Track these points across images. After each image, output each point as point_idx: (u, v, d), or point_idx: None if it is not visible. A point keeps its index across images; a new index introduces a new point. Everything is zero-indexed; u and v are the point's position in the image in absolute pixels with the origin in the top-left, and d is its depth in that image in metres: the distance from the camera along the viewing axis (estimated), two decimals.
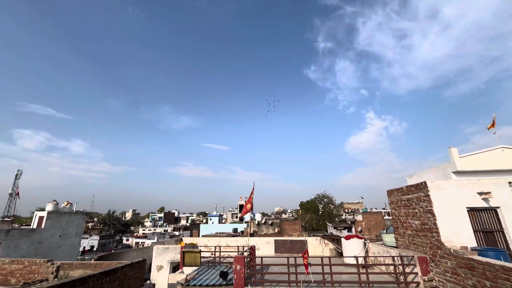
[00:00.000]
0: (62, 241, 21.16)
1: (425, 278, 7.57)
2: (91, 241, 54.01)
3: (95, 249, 52.87)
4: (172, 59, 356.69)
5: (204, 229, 49.36)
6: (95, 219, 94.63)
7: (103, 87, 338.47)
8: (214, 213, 77.44)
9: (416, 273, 7.80)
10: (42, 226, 20.24)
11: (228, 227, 47.68)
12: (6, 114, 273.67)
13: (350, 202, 77.70)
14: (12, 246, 17.77)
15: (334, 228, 33.06)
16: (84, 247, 49.44)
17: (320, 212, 41.36)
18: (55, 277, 10.99)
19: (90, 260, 15.21)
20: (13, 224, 32.84)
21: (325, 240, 17.12)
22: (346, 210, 63.57)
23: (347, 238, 12.46)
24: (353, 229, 31.58)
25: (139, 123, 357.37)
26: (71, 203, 23.53)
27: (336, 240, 16.47)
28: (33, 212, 23.70)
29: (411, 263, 8.05)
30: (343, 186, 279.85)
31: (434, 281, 7.48)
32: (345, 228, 32.85)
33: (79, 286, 7.34)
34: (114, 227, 73.00)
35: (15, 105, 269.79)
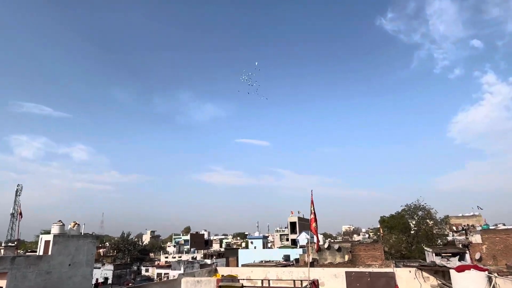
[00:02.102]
0: (72, 271, 23.11)
1: None
2: (104, 272, 59.78)
3: (109, 281, 58.33)
4: (187, 30, 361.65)
5: (244, 255, 51.13)
6: (107, 244, 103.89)
7: (104, 73, 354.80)
8: (256, 234, 78.73)
9: None
10: (49, 253, 21.85)
11: (276, 253, 48.49)
12: (1, 117, 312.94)
13: (460, 215, 73.26)
14: (19, 277, 20.25)
15: (437, 254, 31.49)
16: (97, 279, 54.73)
17: (412, 231, 40.60)
18: None
19: None
20: (18, 250, 38.05)
21: (424, 273, 16.80)
22: (454, 228, 60.21)
23: (460, 269, 12.21)
24: (467, 256, 30.53)
25: (152, 117, 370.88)
26: (79, 224, 25.28)
27: (442, 273, 16.09)
28: (38, 236, 26.19)
29: None
30: (447, 191, 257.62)
31: None
32: (454, 255, 30.53)
33: None
34: (130, 253, 79.25)
35: (7, 105, 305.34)
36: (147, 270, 68.77)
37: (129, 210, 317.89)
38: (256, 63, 42.90)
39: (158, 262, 77.84)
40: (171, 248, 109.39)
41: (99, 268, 58.87)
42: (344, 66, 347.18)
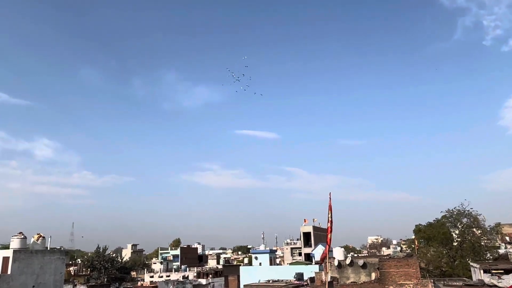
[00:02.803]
0: None
1: None
2: None
3: None
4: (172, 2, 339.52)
5: (247, 274, 51.77)
6: (79, 261, 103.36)
7: (73, 50, 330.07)
8: (262, 247, 78.75)
9: None
10: (8, 272, 21.51)
11: (287, 271, 48.32)
12: None
13: None
14: None
15: (485, 271, 31.86)
16: None
17: (455, 243, 39.99)
18: None
19: None
20: None
21: None
22: (507, 238, 60.22)
23: None
24: None
25: (131, 103, 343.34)
26: (44, 237, 24.77)
27: None
28: None
29: None
30: (498, 192, 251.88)
31: None
32: (507, 272, 30.40)
33: None
34: (107, 272, 78.14)
35: None
36: None
37: (105, 219, 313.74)
38: (244, 57, 40.56)
39: (142, 282, 77.49)
40: (157, 266, 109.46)
41: None
42: (370, 39, 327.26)
